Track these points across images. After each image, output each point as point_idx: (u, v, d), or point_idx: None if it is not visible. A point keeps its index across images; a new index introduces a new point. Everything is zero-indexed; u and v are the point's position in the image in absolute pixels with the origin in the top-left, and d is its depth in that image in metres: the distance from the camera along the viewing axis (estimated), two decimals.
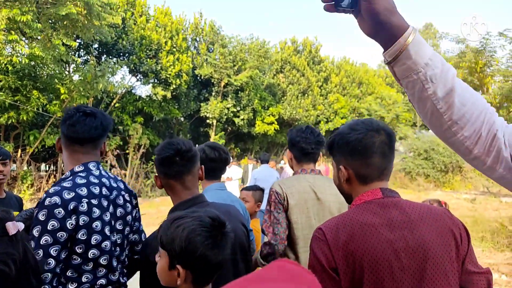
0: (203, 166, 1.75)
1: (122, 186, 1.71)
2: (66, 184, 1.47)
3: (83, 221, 1.43)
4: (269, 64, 23.11)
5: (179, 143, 1.59)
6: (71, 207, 1.41)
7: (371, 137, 1.21)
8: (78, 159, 1.60)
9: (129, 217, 1.69)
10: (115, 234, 1.58)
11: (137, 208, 1.80)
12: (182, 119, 19.37)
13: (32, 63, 11.07)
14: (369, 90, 30.13)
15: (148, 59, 15.31)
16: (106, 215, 1.52)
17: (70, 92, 12.07)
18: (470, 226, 8.30)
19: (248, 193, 3.17)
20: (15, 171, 12.90)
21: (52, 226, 1.35)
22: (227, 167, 2.41)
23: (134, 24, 15.49)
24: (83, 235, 1.42)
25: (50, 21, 9.55)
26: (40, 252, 1.31)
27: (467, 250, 1.17)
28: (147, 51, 15.43)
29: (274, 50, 25.18)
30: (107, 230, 1.50)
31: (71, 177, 1.54)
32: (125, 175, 15.40)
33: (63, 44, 9.90)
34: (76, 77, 12.92)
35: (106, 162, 14.76)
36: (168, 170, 1.58)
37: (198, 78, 19.12)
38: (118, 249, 1.61)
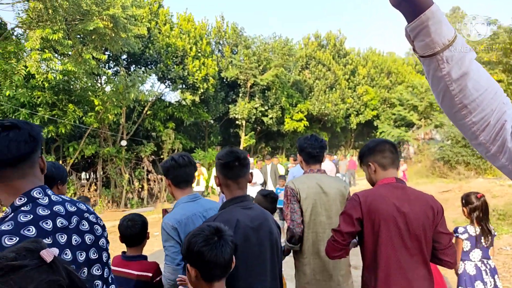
0: (252, 172, 2.07)
1: (83, 208, 1.42)
2: (5, 227, 1.15)
3: None
4: (294, 61, 23.05)
5: (238, 152, 1.95)
6: None
7: (384, 143, 2.15)
8: (16, 187, 1.26)
9: (102, 241, 1.44)
10: (90, 267, 1.35)
11: (105, 229, 1.52)
12: (212, 121, 19.69)
13: (66, 78, 11.66)
14: (399, 79, 29.36)
15: (175, 66, 15.69)
16: (65, 253, 1.24)
17: (104, 103, 12.59)
18: None
19: (261, 198, 3.26)
20: None
21: None
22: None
23: (159, 33, 15.93)
24: None
25: (79, 37, 10.03)
26: None
27: (440, 220, 1.97)
28: (173, 58, 15.83)
29: (297, 47, 25.07)
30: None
31: (12, 215, 1.21)
32: (161, 180, 15.85)
33: (93, 57, 10.35)
34: (108, 89, 13.47)
35: (143, 168, 15.27)
36: (228, 173, 1.92)
37: (225, 80, 19.37)
38: (99, 282, 1.38)
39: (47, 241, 1.19)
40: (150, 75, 14.52)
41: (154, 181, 15.70)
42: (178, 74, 15.40)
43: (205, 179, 11.14)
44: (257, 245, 1.82)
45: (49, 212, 1.25)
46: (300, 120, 21.52)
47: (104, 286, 1.41)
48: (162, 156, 15.92)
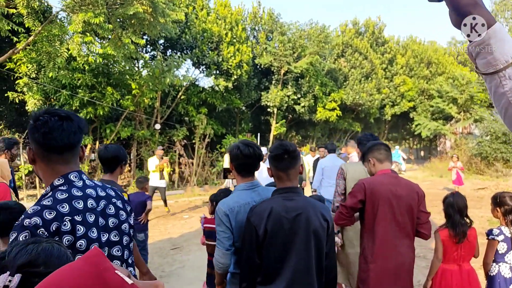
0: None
1: (112, 193, 1.56)
2: (46, 202, 1.31)
3: (67, 241, 1.29)
4: (330, 49, 22.55)
5: (287, 145, 2.07)
6: (53, 228, 1.26)
7: (380, 144, 2.83)
8: (57, 170, 1.41)
9: (125, 226, 1.56)
10: (110, 248, 1.47)
11: (132, 214, 1.66)
12: (243, 108, 19.70)
13: (105, 61, 11.94)
14: (439, 70, 28.15)
15: (210, 52, 15.72)
16: (92, 232, 1.37)
17: (140, 87, 12.84)
18: None
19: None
20: (94, 161, 14.10)
21: None
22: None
23: (196, 18, 15.95)
24: None
25: (119, 21, 10.17)
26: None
27: (422, 202, 2.64)
28: (209, 44, 15.85)
29: (334, 34, 24.49)
30: (93, 248, 1.32)
31: (51, 192, 1.37)
32: (192, 164, 16.12)
33: (132, 42, 10.51)
34: (144, 73, 13.70)
35: (175, 151, 15.56)
36: (278, 165, 2.06)
37: (258, 67, 19.25)
38: (118, 262, 1.50)
39: (78, 218, 1.34)
40: (185, 60, 14.63)
41: (185, 165, 15.98)
42: (212, 60, 15.44)
43: (168, 172, 10.63)
44: (290, 234, 1.91)
45: (82, 193, 1.41)
46: (333, 109, 21.15)
47: (124, 265, 1.53)
48: (193, 141, 16.12)
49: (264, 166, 6.74)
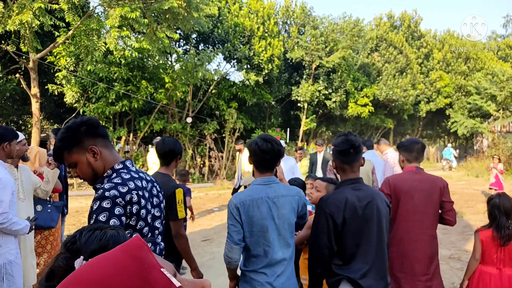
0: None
1: (153, 179, 1.88)
2: (116, 180, 1.60)
3: (135, 209, 1.61)
4: (363, 43, 22.09)
5: (353, 140, 2.16)
6: (127, 198, 1.57)
7: (416, 143, 3.07)
8: (115, 157, 1.72)
9: (162, 205, 1.87)
10: (154, 220, 1.77)
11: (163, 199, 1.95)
12: (273, 103, 19.65)
13: (140, 55, 12.22)
14: (478, 65, 26.93)
15: (242, 46, 15.76)
16: (148, 205, 1.70)
17: (173, 81, 13.07)
18: None
19: (322, 183, 3.13)
20: (129, 152, 14.52)
21: (118, 211, 1.53)
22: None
23: (228, 12, 16.02)
24: (133, 221, 1.61)
25: (154, 16, 10.38)
26: None
27: (445, 192, 2.90)
28: (241, 38, 15.89)
29: (368, 27, 23.94)
30: (149, 218, 1.70)
31: (115, 174, 1.66)
32: (222, 157, 16.30)
33: (167, 36, 10.70)
34: (177, 67, 13.93)
35: (206, 145, 15.77)
36: (344, 158, 2.18)
37: (289, 61, 19.12)
38: (156, 232, 1.80)
39: (140, 193, 1.65)
40: (217, 54, 14.75)
41: (215, 158, 16.17)
42: (244, 54, 15.47)
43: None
44: (363, 221, 2.07)
45: (137, 176, 1.72)
46: (365, 105, 20.71)
47: (159, 237, 1.86)
48: (223, 135, 16.28)
49: (288, 160, 6.41)
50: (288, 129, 18.13)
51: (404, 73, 23.30)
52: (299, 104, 19.27)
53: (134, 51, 11.22)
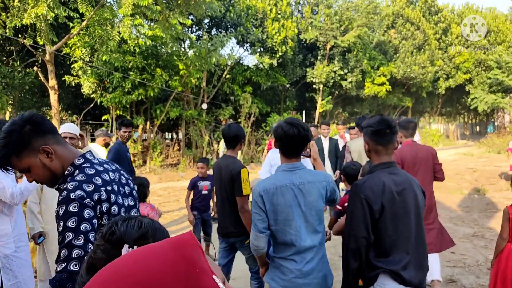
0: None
1: (119, 167, 1.73)
2: (79, 177, 1.45)
3: (105, 208, 1.46)
4: (379, 20, 21.52)
5: (389, 120, 2.08)
6: (96, 198, 1.43)
7: (410, 122, 3.96)
8: (74, 152, 1.58)
9: (134, 192, 1.74)
10: (129, 212, 1.65)
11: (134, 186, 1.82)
12: (288, 85, 19.47)
13: (154, 43, 12.21)
14: (498, 39, 25.97)
15: (255, 29, 15.57)
16: (119, 198, 1.56)
17: (187, 68, 13.05)
18: None
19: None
20: (146, 140, 14.70)
21: (88, 214, 1.38)
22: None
23: None
24: (105, 220, 1.47)
25: (165, 2, 10.31)
26: (81, 238, 1.35)
27: (435, 157, 3.77)
28: (253, 21, 15.69)
29: (384, 4, 23.27)
30: (122, 211, 1.56)
31: (77, 170, 1.51)
32: None
33: (179, 23, 10.64)
34: (191, 53, 13.88)
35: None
36: (380, 139, 2.07)
37: (303, 43, 18.83)
38: None
39: (109, 188, 1.51)
40: (230, 38, 14.63)
41: None
42: (257, 37, 15.30)
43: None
44: (401, 207, 1.96)
45: (102, 168, 1.56)
46: (382, 84, 20.32)
47: None
48: (239, 120, 16.27)
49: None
50: (304, 111, 17.99)
51: (422, 50, 22.71)
52: (314, 86, 19.05)
53: (148, 39, 11.23)
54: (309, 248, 2.04)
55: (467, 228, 5.87)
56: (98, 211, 1.44)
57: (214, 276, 0.48)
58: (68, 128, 3.29)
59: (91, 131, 17.71)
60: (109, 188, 1.50)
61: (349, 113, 24.37)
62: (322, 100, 19.34)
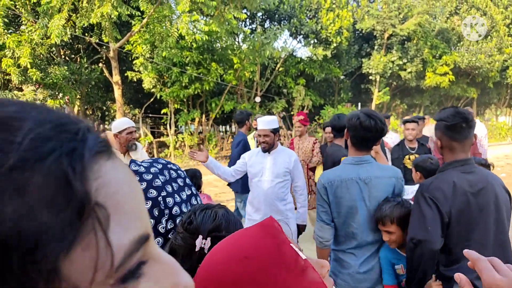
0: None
1: (164, 161, 1.69)
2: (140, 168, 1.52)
3: (167, 214, 1.47)
4: (441, 7, 20.25)
5: (465, 113, 1.82)
6: (156, 213, 1.45)
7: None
8: None
9: (187, 180, 1.69)
10: (188, 203, 1.62)
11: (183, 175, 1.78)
12: (342, 77, 19.00)
13: (209, 38, 12.48)
14: None
15: (308, 20, 15.35)
16: (176, 197, 1.56)
17: (241, 61, 13.19)
18: None
19: None
20: (202, 133, 15.12)
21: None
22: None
23: None
24: (170, 225, 1.46)
25: None
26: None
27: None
28: (307, 12, 15.47)
29: None
30: (183, 207, 1.54)
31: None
32: (291, 135, 16.27)
33: (234, 17, 10.77)
34: (244, 46, 14.02)
35: None
36: (455, 134, 1.83)
37: (359, 32, 18.24)
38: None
39: (163, 194, 1.48)
40: (283, 31, 14.55)
41: (284, 137, 16.20)
42: (311, 29, 15.07)
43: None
44: (477, 210, 1.75)
45: (151, 175, 1.51)
46: (445, 74, 19.14)
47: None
48: (292, 113, 16.19)
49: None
50: (359, 103, 17.48)
51: (489, 37, 21.00)
52: (370, 77, 18.42)
53: (204, 34, 11.50)
54: (370, 243, 2.01)
55: None
56: (164, 224, 1.43)
57: (291, 244, 0.60)
58: (129, 122, 3.40)
59: (151, 124, 18.54)
60: (163, 193, 1.48)
61: (408, 105, 23.30)
62: (379, 91, 18.65)
